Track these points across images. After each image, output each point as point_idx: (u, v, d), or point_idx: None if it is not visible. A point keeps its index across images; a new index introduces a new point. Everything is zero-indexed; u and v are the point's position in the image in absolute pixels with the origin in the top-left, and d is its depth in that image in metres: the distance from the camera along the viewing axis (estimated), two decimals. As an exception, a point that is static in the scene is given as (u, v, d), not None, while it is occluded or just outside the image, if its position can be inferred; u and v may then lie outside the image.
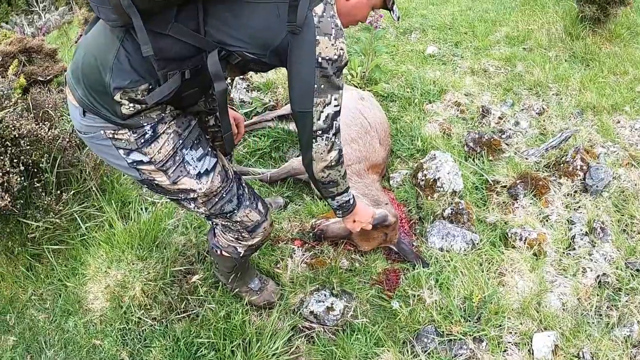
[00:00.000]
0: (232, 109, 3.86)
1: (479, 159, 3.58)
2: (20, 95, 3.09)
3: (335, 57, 1.76)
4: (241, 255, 2.31)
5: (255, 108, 4.06)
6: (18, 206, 2.74)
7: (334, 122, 1.87)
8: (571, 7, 5.43)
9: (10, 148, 2.69)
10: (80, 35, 4.91)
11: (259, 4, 1.73)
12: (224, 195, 2.05)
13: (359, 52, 4.44)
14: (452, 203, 3.13)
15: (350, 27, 2.07)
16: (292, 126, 3.76)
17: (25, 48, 4.00)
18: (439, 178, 3.21)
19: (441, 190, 3.20)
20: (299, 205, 3.30)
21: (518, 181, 3.32)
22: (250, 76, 4.22)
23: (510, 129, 3.93)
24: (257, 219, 2.18)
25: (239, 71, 1.99)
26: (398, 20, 2.09)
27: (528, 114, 4.15)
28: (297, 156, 3.55)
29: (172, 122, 1.89)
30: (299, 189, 3.45)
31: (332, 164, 1.97)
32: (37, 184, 2.83)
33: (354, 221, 2.36)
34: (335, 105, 1.84)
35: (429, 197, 3.22)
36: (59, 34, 8.37)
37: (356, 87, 4.20)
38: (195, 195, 1.99)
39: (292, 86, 1.83)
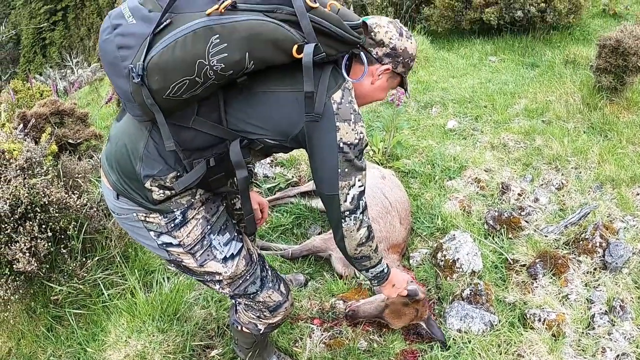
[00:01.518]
0: (257, 185, 3.94)
1: (498, 237, 3.58)
2: (51, 161, 3.18)
3: (356, 141, 1.82)
4: (261, 332, 2.34)
5: (279, 184, 4.12)
6: (44, 270, 2.80)
7: (360, 202, 1.92)
8: (588, 77, 5.45)
9: (39, 214, 2.76)
10: (110, 99, 5.10)
11: (277, 93, 1.78)
12: (248, 278, 2.11)
13: (381, 127, 4.50)
14: (471, 284, 3.12)
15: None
16: (314, 203, 3.81)
17: (57, 110, 4.13)
18: (458, 259, 3.23)
19: (460, 271, 3.20)
20: (320, 283, 3.31)
21: (537, 260, 3.31)
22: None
23: (529, 206, 3.93)
24: (279, 299, 2.23)
25: (263, 155, 2.06)
26: (408, 97, 2.17)
27: (547, 189, 4.16)
28: (319, 234, 3.59)
29: (201, 208, 1.96)
30: (319, 267, 3.46)
31: (363, 240, 2.00)
32: (64, 250, 2.89)
33: (393, 285, 2.37)
34: (359, 186, 1.89)
35: (448, 278, 3.22)
36: (90, 89, 8.65)
37: (378, 163, 4.26)
38: (221, 278, 2.05)
39: (317, 171, 1.88)
